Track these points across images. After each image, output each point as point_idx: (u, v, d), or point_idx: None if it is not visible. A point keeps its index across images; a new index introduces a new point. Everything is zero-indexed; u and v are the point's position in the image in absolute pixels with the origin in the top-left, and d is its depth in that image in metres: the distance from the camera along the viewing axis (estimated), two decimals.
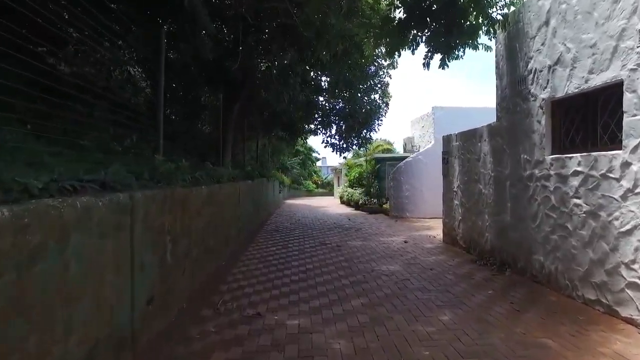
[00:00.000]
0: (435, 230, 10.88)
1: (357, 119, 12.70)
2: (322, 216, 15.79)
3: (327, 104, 14.64)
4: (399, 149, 20.76)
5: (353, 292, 5.10)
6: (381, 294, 5.00)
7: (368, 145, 16.59)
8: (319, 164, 52.73)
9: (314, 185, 47.49)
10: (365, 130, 13.75)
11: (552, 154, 5.13)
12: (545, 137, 5.19)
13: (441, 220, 13.08)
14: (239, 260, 7.03)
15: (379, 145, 20.71)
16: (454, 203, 8.37)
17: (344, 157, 17.40)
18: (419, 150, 16.49)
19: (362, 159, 19.83)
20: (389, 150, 21.82)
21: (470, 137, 7.62)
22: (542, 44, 5.19)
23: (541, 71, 5.24)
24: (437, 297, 4.88)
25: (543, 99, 5.21)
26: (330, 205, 22.80)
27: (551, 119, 5.17)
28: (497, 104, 6.59)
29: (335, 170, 37.42)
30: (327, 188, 46.92)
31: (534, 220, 5.42)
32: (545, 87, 5.14)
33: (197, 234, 5.04)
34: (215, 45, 9.10)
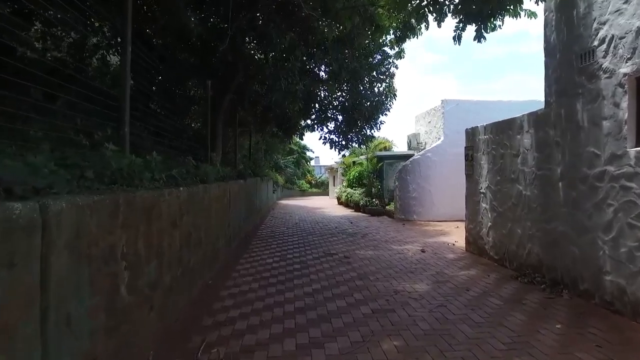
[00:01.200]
0: (451, 236, 9.70)
1: (362, 112, 11.47)
2: (321, 219, 14.54)
3: (325, 97, 13.40)
4: (401, 147, 19.59)
5: (379, 328, 3.86)
6: (418, 331, 3.77)
7: (369, 143, 15.36)
8: (312, 163, 51.42)
9: (308, 185, 46.30)
10: (369, 126, 12.52)
11: (637, 146, 3.94)
12: (627, 125, 4.00)
13: (454, 224, 12.21)
14: (229, 277, 5.75)
15: (380, 143, 19.54)
16: (480, 206, 7.18)
17: (344, 155, 16.20)
18: (424, 148, 15.33)
19: (363, 157, 18.63)
20: (386, 149, 20.63)
21: (504, 128, 6.43)
22: (626, 2, 3.99)
23: (622, 38, 4.04)
24: (493, 334, 3.66)
25: (625, 75, 4.01)
26: (328, 206, 21.56)
27: (636, 100, 3.98)
28: (547, 86, 5.39)
29: (331, 170, 36.21)
30: (321, 188, 45.75)
31: (606, 231, 4.23)
32: (630, 59, 3.95)
33: (172, 253, 3.77)
34: (201, 21, 7.83)
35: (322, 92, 11.99)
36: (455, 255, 7.37)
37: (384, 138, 22.45)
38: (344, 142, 14.01)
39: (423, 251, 7.75)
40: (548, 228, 5.26)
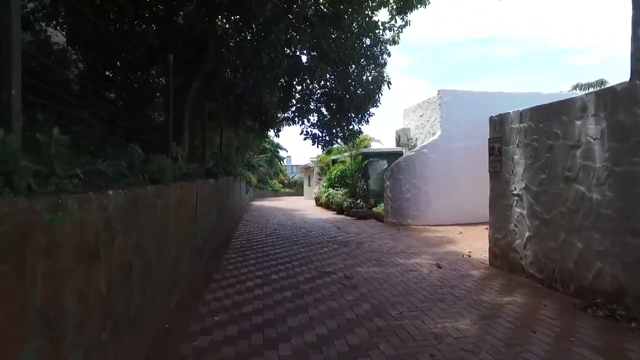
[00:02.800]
0: (459, 244, 8.34)
1: (354, 101, 9.94)
2: (303, 223, 12.92)
3: (307, 87, 11.78)
4: (387, 144, 18.22)
5: None
6: None
7: (355, 139, 13.83)
8: (284, 162, 49.34)
9: (281, 185, 44.61)
10: (358, 119, 11.00)
11: None
12: None
13: (454, 229, 10.53)
14: (196, 315, 4.07)
15: (364, 139, 18.03)
16: (513, 212, 5.79)
17: (328, 152, 14.63)
18: (415, 144, 14.00)
19: (346, 154, 17.15)
20: (366, 146, 18.94)
21: (554, 113, 5.04)
22: None
23: None
24: None
25: None
26: (306, 208, 19.94)
27: None
28: (632, 54, 4.01)
29: (306, 169, 34.65)
30: (293, 188, 44.16)
31: None
32: None
33: (89, 305, 2.09)
34: None
35: (304, 79, 10.35)
36: (480, 273, 5.94)
37: (366, 135, 21.01)
38: (327, 138, 12.39)
39: (439, 266, 6.30)
40: (634, 243, 3.88)
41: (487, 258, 6.73)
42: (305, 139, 12.37)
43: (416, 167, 11.70)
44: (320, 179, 24.99)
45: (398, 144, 14.74)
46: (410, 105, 14.60)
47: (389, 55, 10.50)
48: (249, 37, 7.86)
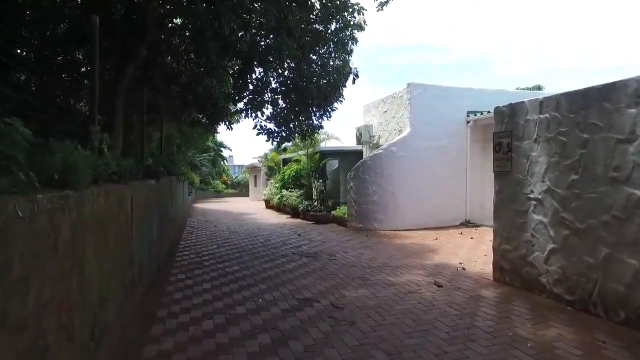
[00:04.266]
0: (442, 252, 7.42)
1: (320, 92, 8.67)
2: (257, 230, 11.44)
3: (262, 76, 10.34)
4: (345, 142, 17.16)
5: None
6: None
7: (314, 136, 12.58)
8: (226, 162, 46.73)
9: (223, 186, 42.36)
10: (320, 113, 9.75)
11: None
12: None
13: (425, 234, 9.56)
14: None
15: (315, 140, 16.52)
16: (529, 219, 4.87)
17: (283, 149, 13.21)
18: (377, 142, 13.07)
19: (302, 152, 15.85)
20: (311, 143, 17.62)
21: (594, 99, 4.13)
22: None
23: None
24: None
25: None
26: (256, 210, 18.37)
27: None
28: None
29: (252, 169, 32.88)
30: (237, 188, 42.16)
31: None
32: None
33: None
34: None
35: (266, 61, 8.93)
36: (491, 292, 4.95)
37: (324, 132, 19.81)
38: (284, 134, 10.99)
39: (439, 285, 5.23)
40: None
41: (486, 271, 5.83)
42: (258, 134, 10.85)
43: (383, 167, 10.71)
44: (269, 180, 23.50)
45: (359, 141, 13.73)
46: (371, 101, 13.66)
47: (355, 42, 9.37)
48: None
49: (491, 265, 5.68)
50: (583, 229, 4.18)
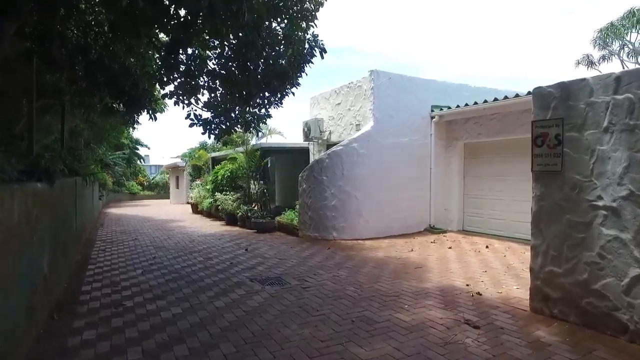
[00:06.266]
0: (433, 270, 6.12)
1: (283, 69, 6.89)
2: (190, 242, 9.27)
3: (196, 54, 8.23)
4: (291, 139, 15.40)
5: None
6: None
7: (261, 127, 10.64)
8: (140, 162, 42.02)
9: (139, 187, 38.28)
10: (271, 100, 7.93)
11: None
12: None
13: (392, 242, 8.26)
14: None
15: (238, 136, 14.29)
16: (595, 234, 3.65)
17: (221, 143, 11.03)
18: (329, 138, 11.60)
19: (239, 149, 13.79)
20: (244, 142, 15.25)
21: None
22: None
23: None
24: None
25: None
26: (182, 216, 15.85)
27: None
28: None
29: (173, 169, 29.67)
30: (155, 190, 38.40)
31: None
32: None
33: None
34: None
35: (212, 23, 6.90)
36: (551, 335, 3.62)
37: (266, 126, 17.79)
38: (225, 125, 8.92)
39: (476, 327, 3.82)
40: None
41: (510, 295, 4.59)
42: (192, 125, 8.65)
43: (344, 166, 9.23)
44: (194, 181, 20.94)
45: (307, 137, 12.12)
46: (321, 92, 12.14)
47: (320, 5, 7.62)
48: None
49: (509, 287, 4.48)
50: None
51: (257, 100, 7.90)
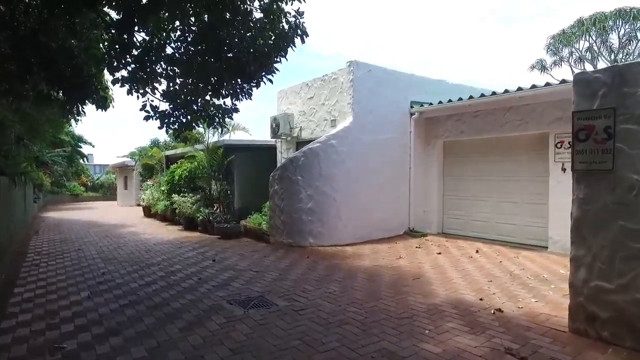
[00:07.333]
0: (433, 282, 5.48)
1: (261, 52, 5.93)
2: (145, 252, 8.04)
3: (150, 38, 7.04)
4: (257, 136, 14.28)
5: None
6: None
7: (226, 122, 9.53)
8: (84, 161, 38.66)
9: (82, 188, 35.42)
10: (256, 82, 6.97)
11: None
12: None
13: (374, 248, 7.83)
14: None
15: (192, 135, 12.96)
16: None
17: (180, 139, 9.76)
18: (299, 134, 10.74)
19: (199, 146, 12.55)
20: (199, 141, 13.79)
21: None
22: None
23: None
24: None
25: None
26: (133, 220, 14.29)
27: None
28: None
29: (120, 168, 27.51)
30: (100, 191, 35.67)
31: None
32: None
33: None
34: None
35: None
36: None
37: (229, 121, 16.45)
38: (185, 119, 7.75)
39: (522, 358, 3.14)
40: None
41: (537, 312, 4.01)
42: (148, 118, 7.42)
43: (321, 165, 8.40)
44: (145, 181, 19.27)
45: (275, 134, 11.17)
46: (290, 85, 11.24)
47: None
48: None
49: (526, 300, 3.91)
50: None
51: (229, 89, 6.87)
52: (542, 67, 25.86)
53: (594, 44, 24.05)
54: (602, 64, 23.86)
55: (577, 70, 25.75)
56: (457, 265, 6.41)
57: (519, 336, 3.56)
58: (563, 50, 25.20)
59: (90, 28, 6.88)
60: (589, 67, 24.50)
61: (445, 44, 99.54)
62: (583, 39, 24.25)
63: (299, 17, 6.04)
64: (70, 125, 20.64)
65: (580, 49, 24.53)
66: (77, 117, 9.94)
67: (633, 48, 23.08)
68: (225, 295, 4.92)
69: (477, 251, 7.46)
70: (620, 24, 22.89)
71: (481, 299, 4.63)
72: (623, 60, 22.66)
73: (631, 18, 22.16)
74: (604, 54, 24.09)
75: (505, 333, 3.63)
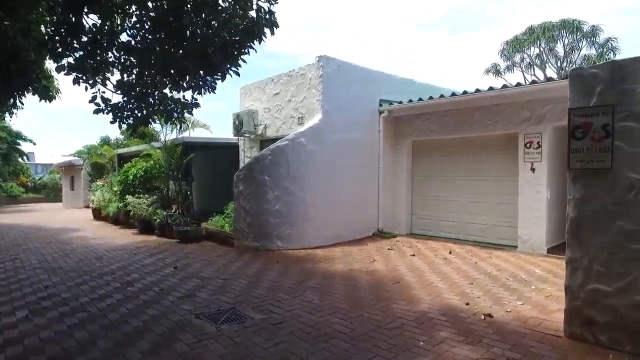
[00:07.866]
0: (414, 287, 5.26)
1: (227, 40, 5.43)
2: (96, 260, 7.27)
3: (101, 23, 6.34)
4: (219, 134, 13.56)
5: None
6: None
7: (185, 118, 8.85)
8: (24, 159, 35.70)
9: (22, 189, 32.84)
10: (222, 73, 6.43)
11: None
12: None
13: (345, 250, 7.52)
14: None
15: (148, 132, 12.07)
16: None
17: (135, 135, 8.94)
18: (264, 132, 10.29)
19: (156, 144, 11.72)
20: (154, 138, 12.89)
21: None
22: None
23: None
24: None
25: None
26: (82, 224, 13.14)
27: None
28: None
29: (67, 168, 25.59)
30: (43, 192, 33.19)
31: None
32: None
33: None
34: None
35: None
36: None
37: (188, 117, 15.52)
38: (141, 114, 7.06)
39: None
40: None
41: (527, 315, 3.85)
42: (98, 111, 6.67)
43: (290, 165, 8.01)
44: (94, 182, 17.95)
45: (238, 132, 10.63)
46: (254, 81, 10.75)
47: None
48: None
49: (512, 304, 3.73)
50: None
51: (192, 82, 6.31)
52: (496, 71, 26.81)
53: (543, 52, 25.22)
54: (550, 71, 25.10)
55: (528, 75, 26.98)
56: (433, 267, 6.24)
57: (517, 344, 3.37)
58: (515, 55, 26.25)
59: (30, 7, 6.09)
60: (539, 73, 25.69)
61: (391, 49, 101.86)
62: (534, 45, 25.36)
63: (273, 3, 5.60)
64: (4, 119, 18.88)
65: (531, 55, 25.65)
66: (12, 110, 8.91)
67: (575, 57, 24.41)
68: (193, 309, 4.41)
69: (450, 252, 7.36)
70: (565, 34, 24.14)
71: (467, 304, 4.44)
72: (567, 67, 23.88)
73: (575, 29, 23.43)
74: (551, 61, 25.35)
75: (502, 341, 3.43)
